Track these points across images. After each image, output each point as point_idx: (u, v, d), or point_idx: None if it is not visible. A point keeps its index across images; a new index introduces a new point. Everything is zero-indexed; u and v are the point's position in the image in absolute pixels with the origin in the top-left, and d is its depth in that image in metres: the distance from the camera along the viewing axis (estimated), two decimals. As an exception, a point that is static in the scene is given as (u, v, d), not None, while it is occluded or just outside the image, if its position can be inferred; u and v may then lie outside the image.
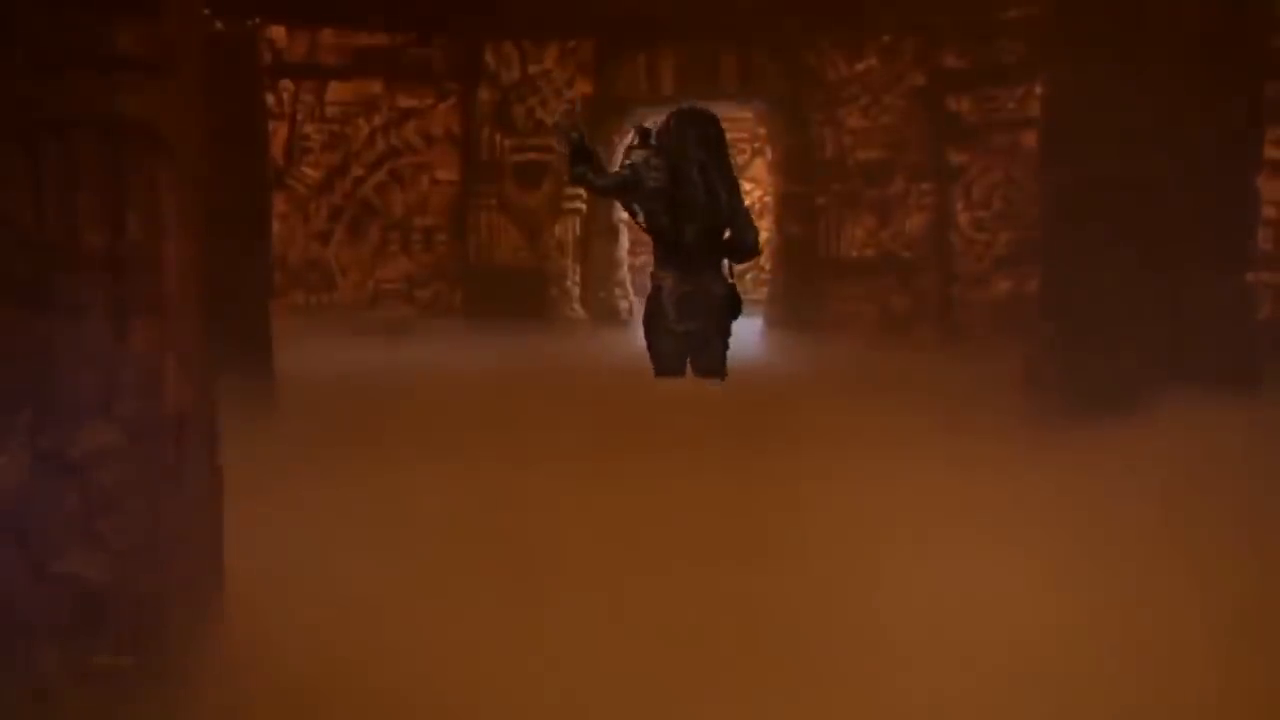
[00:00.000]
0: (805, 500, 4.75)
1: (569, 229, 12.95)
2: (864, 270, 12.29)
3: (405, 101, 12.73)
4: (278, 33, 12.11)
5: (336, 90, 12.56)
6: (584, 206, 12.87)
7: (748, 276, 6.85)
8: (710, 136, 7.11)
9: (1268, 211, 8.09)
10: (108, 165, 3.07)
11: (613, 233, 13.50)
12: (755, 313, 8.29)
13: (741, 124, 14.28)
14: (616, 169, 8.13)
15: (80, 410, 3.05)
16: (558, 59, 12.67)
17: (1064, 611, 3.75)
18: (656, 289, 7.22)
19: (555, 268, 12.84)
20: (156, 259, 3.15)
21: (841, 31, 12.17)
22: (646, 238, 9.36)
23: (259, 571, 3.65)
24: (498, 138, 12.73)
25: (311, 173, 12.58)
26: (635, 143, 7.09)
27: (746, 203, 7.48)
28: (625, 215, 11.67)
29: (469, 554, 4.21)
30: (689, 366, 6.95)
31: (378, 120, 12.68)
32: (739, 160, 9.05)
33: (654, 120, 9.31)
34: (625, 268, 13.79)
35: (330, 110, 12.59)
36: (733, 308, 7.00)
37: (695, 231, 6.99)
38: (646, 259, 13.43)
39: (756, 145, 16.47)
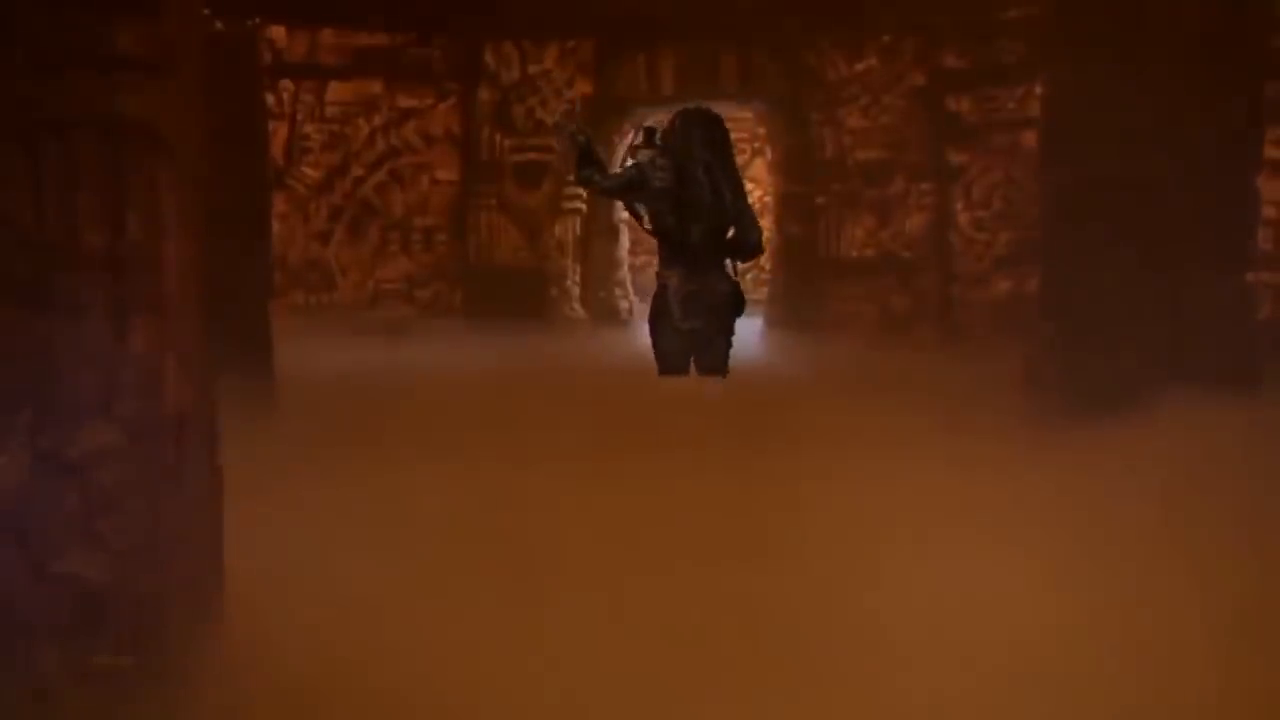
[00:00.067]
0: (805, 500, 4.74)
1: (569, 229, 12.96)
2: (864, 270, 12.30)
3: (405, 101, 12.74)
4: (278, 33, 12.12)
5: (336, 90, 12.57)
6: (584, 206, 12.87)
7: (748, 276, 6.86)
8: (715, 137, 7.14)
9: (1268, 211, 8.09)
10: (108, 165, 3.07)
11: (613, 233, 13.51)
12: (755, 313, 8.28)
13: (741, 124, 14.28)
14: (621, 169, 8.14)
15: (80, 410, 3.05)
16: (558, 59, 12.67)
17: (1064, 611, 3.74)
18: (662, 288, 7.24)
19: (555, 268, 12.85)
20: (156, 259, 3.15)
21: (841, 31, 12.18)
22: (647, 238, 9.37)
23: (259, 571, 3.65)
24: (498, 138, 12.74)
25: (311, 173, 12.59)
26: (640, 142, 7.12)
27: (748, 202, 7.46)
28: (626, 215, 11.71)
29: (469, 554, 4.21)
30: (692, 365, 6.96)
31: (378, 120, 12.69)
32: (739, 160, 9.09)
33: (655, 120, 9.30)
34: (625, 268, 13.80)
35: (330, 110, 12.60)
36: (737, 306, 7.02)
37: (700, 231, 7.01)
38: (646, 259, 13.60)
39: (756, 145, 16.48)
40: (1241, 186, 7.08)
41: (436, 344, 11.33)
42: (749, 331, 7.56)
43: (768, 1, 11.92)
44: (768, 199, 14.10)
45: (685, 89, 12.23)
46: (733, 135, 7.16)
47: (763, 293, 12.93)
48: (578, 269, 12.99)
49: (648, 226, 6.84)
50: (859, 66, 12.20)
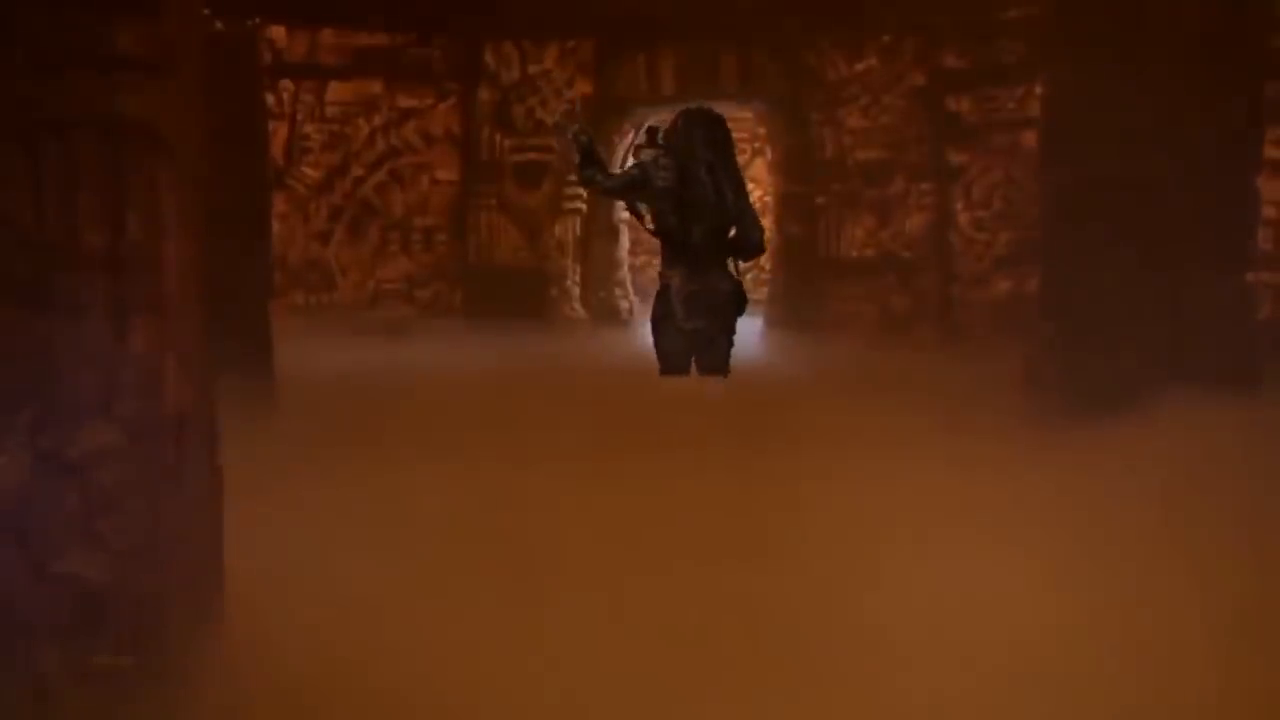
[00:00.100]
0: (806, 500, 4.74)
1: (569, 229, 12.97)
2: (864, 270, 12.31)
3: (405, 101, 12.74)
4: (278, 33, 12.13)
5: (336, 90, 12.58)
6: (584, 206, 12.88)
7: (748, 276, 6.86)
8: (717, 137, 7.14)
9: (1268, 211, 8.10)
10: (108, 165, 3.07)
11: (613, 233, 13.51)
12: (756, 312, 8.29)
13: (742, 124, 14.29)
14: (624, 169, 8.14)
15: (80, 410, 3.05)
16: (558, 59, 12.68)
17: (1064, 611, 3.74)
18: (665, 288, 7.24)
19: (555, 268, 12.85)
20: (156, 259, 3.14)
21: (841, 31, 12.18)
22: (647, 238, 9.35)
23: (259, 571, 3.65)
24: (498, 138, 12.75)
25: (311, 173, 12.59)
26: (643, 142, 7.12)
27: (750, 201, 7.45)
28: (626, 215, 11.69)
29: (469, 554, 4.21)
30: (694, 365, 6.96)
31: (378, 120, 12.70)
32: (740, 160, 9.08)
33: (655, 120, 9.26)
34: (625, 268, 13.80)
35: (330, 110, 12.61)
36: (739, 304, 7.02)
37: (702, 231, 7.01)
38: (646, 259, 13.60)
39: (757, 145, 16.49)
40: (1241, 186, 7.08)
41: (436, 344, 11.34)
42: (749, 331, 7.56)
43: (768, 1, 11.92)
44: (768, 199, 14.10)
45: (685, 89, 12.23)
46: (733, 135, 7.18)
47: (763, 293, 12.93)
48: (578, 269, 12.99)
49: (650, 226, 6.85)
50: (859, 66, 12.20)
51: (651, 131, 7.00)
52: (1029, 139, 10.39)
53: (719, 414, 6.09)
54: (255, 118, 7.93)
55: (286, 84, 12.34)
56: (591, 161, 6.87)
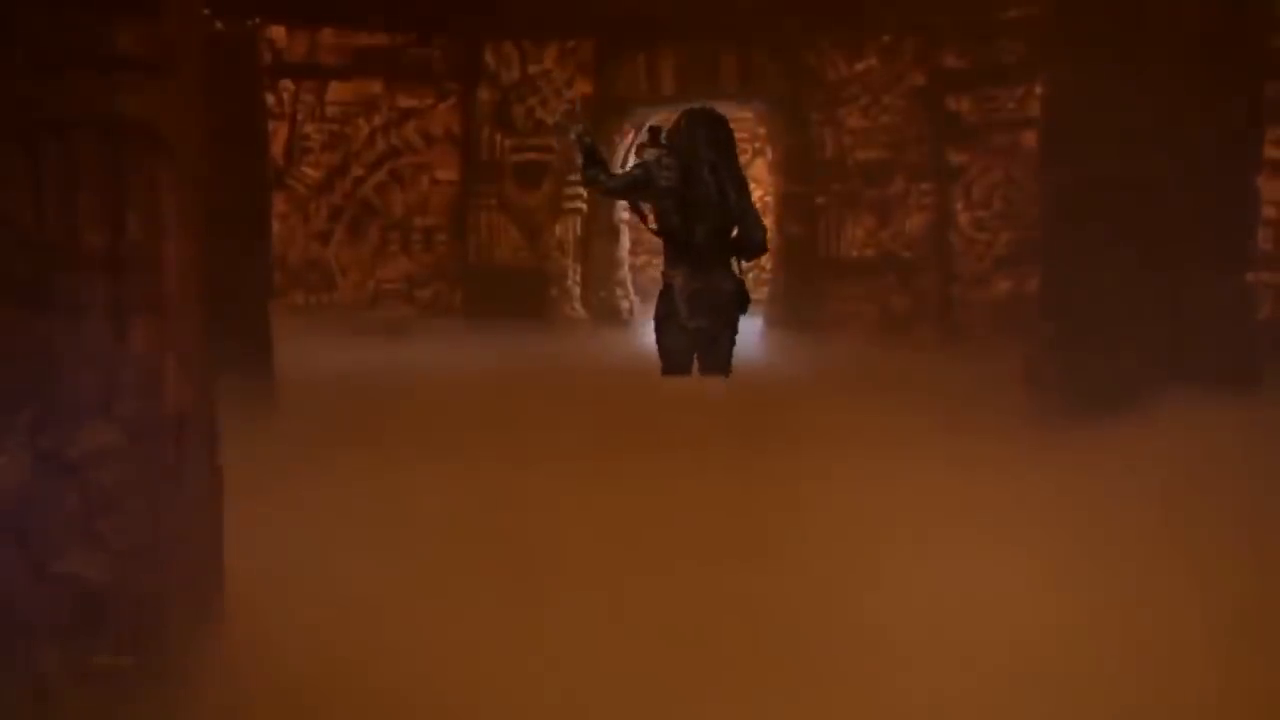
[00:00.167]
0: (806, 499, 4.74)
1: (569, 229, 12.98)
2: (864, 270, 12.32)
3: (405, 101, 12.76)
4: (278, 33, 12.14)
5: (336, 90, 12.59)
6: (584, 206, 12.89)
7: (749, 276, 6.88)
8: (720, 137, 7.17)
9: (1268, 211, 8.10)
10: (108, 165, 3.07)
11: (613, 232, 13.52)
12: (756, 312, 8.29)
13: (742, 124, 14.31)
14: (627, 169, 8.15)
15: (80, 410, 3.05)
16: (558, 59, 12.69)
17: (1064, 611, 3.74)
18: (668, 287, 7.25)
19: (555, 267, 12.86)
20: (156, 259, 3.14)
21: (841, 31, 12.20)
22: (647, 238, 9.38)
23: (259, 571, 3.65)
24: (498, 138, 12.76)
25: (311, 173, 12.60)
26: (646, 141, 7.15)
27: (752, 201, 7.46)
28: (627, 215, 11.72)
29: (469, 554, 4.21)
30: (696, 364, 6.97)
31: (378, 120, 12.71)
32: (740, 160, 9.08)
33: (656, 120, 9.26)
34: (626, 267, 13.82)
35: (330, 110, 12.62)
36: (742, 303, 7.03)
37: (705, 230, 7.03)
38: (647, 259, 13.62)
39: (757, 145, 16.50)
40: (1241, 186, 7.09)
41: (436, 344, 11.34)
42: (749, 331, 7.56)
43: (768, 1, 11.93)
44: (768, 199, 14.11)
45: (685, 89, 12.24)
46: (735, 135, 7.19)
47: (763, 293, 12.94)
48: (578, 269, 12.99)
49: (653, 226, 6.87)
50: (859, 66, 12.21)
51: (654, 131, 7.02)
52: (1029, 139, 10.40)
53: (720, 413, 6.09)
54: (255, 118, 7.93)
55: (286, 84, 12.35)
56: (595, 162, 6.90)
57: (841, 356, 10.91)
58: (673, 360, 6.83)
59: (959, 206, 11.81)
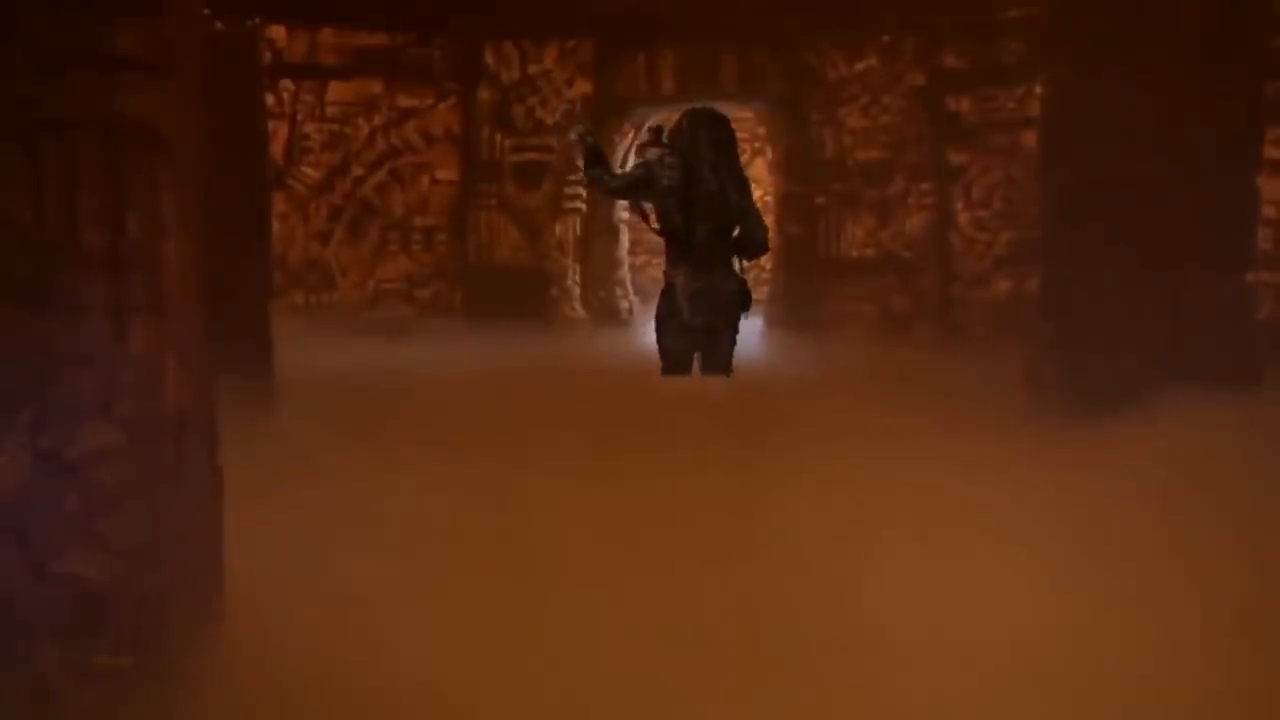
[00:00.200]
0: (806, 499, 4.74)
1: (569, 229, 12.97)
2: (864, 270, 12.32)
3: (405, 101, 12.75)
4: (278, 33, 12.14)
5: (337, 90, 12.58)
6: (584, 206, 12.88)
7: (750, 276, 6.90)
8: (722, 137, 7.18)
9: (1268, 211, 8.10)
10: (108, 165, 3.07)
11: (613, 232, 13.51)
12: (756, 312, 8.30)
13: (742, 124, 14.31)
14: (629, 168, 8.16)
15: (80, 410, 3.05)
16: (558, 59, 12.68)
17: (1064, 611, 3.75)
18: (669, 286, 7.26)
19: (555, 267, 12.85)
20: (156, 259, 3.14)
21: (841, 31, 12.19)
22: (647, 238, 9.38)
23: (259, 571, 3.65)
24: (498, 138, 12.76)
25: (311, 172, 12.60)
26: (647, 140, 7.16)
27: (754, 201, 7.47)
28: (627, 215, 11.74)
29: (469, 554, 4.21)
30: (697, 364, 6.98)
31: (378, 120, 12.70)
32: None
33: (659, 119, 9.26)
34: (625, 267, 13.82)
35: (330, 110, 12.61)
36: (744, 302, 7.04)
37: (707, 230, 7.04)
38: (646, 258, 13.62)
39: (757, 145, 16.50)
40: (1241, 186, 7.09)
41: (437, 344, 11.34)
42: (750, 332, 7.56)
43: (768, 1, 11.93)
44: (768, 199, 14.11)
45: (685, 89, 12.24)
46: (736, 135, 7.20)
47: (763, 292, 12.95)
48: (578, 269, 12.99)
49: (655, 226, 6.88)
50: (859, 66, 12.21)
51: (656, 130, 7.03)
52: (1029, 139, 10.40)
53: (720, 413, 6.09)
54: (255, 118, 7.93)
55: (286, 84, 12.34)
56: (597, 162, 6.93)
57: (842, 356, 10.91)
58: (673, 360, 6.84)
59: (959, 206, 11.81)
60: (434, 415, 6.73)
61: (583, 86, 12.58)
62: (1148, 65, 6.83)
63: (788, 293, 12.76)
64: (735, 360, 6.80)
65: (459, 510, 4.66)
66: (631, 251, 14.37)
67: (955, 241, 11.86)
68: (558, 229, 12.77)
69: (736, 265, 6.81)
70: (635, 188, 6.90)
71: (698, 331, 6.74)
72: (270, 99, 11.23)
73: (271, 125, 10.81)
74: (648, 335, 6.93)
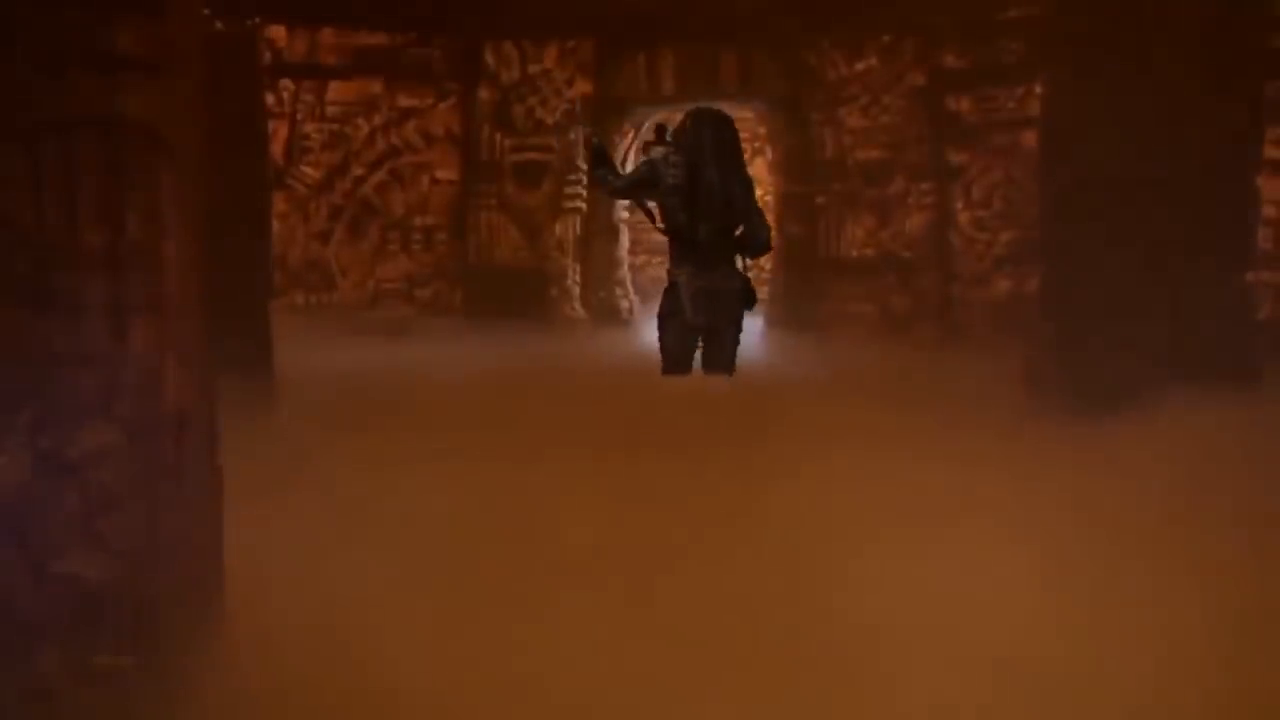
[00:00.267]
0: (807, 497, 4.74)
1: (569, 228, 12.98)
2: (864, 270, 12.33)
3: (405, 101, 12.77)
4: (278, 33, 12.15)
5: (337, 90, 12.59)
6: (584, 206, 12.89)
7: (750, 275, 6.94)
8: (726, 137, 7.23)
9: (1268, 211, 8.11)
10: (108, 165, 3.07)
11: (613, 232, 13.53)
12: (757, 312, 8.30)
13: (742, 124, 14.31)
14: (634, 168, 8.20)
15: (80, 410, 3.04)
16: (558, 59, 12.69)
17: (1064, 609, 3.74)
18: (672, 285, 7.29)
19: (555, 267, 12.86)
20: (156, 259, 3.14)
21: (841, 31, 12.21)
22: (647, 237, 9.44)
23: (259, 571, 3.65)
24: (498, 137, 12.77)
25: (311, 172, 12.61)
26: (652, 139, 7.20)
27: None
28: (627, 215, 11.79)
29: (470, 554, 4.21)
30: (698, 363, 7.00)
31: (378, 120, 12.71)
32: (739, 160, 9.15)
33: (657, 119, 9.31)
34: (625, 267, 13.83)
35: (330, 110, 12.62)
36: (748, 301, 7.07)
37: (710, 229, 7.07)
38: (646, 258, 13.65)
39: (757, 145, 16.51)
40: (1241, 186, 7.09)
41: (437, 343, 11.34)
42: (751, 331, 7.57)
43: (768, 1, 11.93)
44: (768, 198, 14.11)
45: (685, 89, 12.25)
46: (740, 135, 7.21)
47: (763, 292, 12.96)
48: (578, 268, 12.99)
49: (660, 225, 6.91)
50: (859, 66, 12.21)
51: (660, 129, 7.06)
52: (1029, 139, 10.40)
53: (721, 411, 6.10)
54: (255, 118, 7.93)
55: (287, 84, 12.35)
56: (603, 163, 6.98)
57: (842, 356, 10.91)
58: (673, 359, 6.84)
59: (959, 206, 11.82)
60: (434, 415, 6.73)
61: (583, 86, 12.58)
62: (1148, 65, 6.83)
63: (788, 292, 12.76)
64: (737, 359, 6.81)
65: (460, 510, 4.65)
66: (632, 251, 14.37)
67: (955, 241, 11.86)
68: (558, 229, 12.77)
69: (740, 264, 6.82)
70: (639, 187, 6.93)
71: (699, 330, 6.75)
72: (270, 99, 11.23)
73: (271, 125, 10.81)
74: (648, 335, 6.94)
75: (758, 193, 8.26)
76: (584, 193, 12.54)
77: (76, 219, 3.04)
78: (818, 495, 4.78)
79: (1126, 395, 6.50)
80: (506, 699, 3.34)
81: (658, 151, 6.81)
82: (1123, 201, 6.84)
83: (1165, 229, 6.81)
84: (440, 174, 12.81)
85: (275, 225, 9.78)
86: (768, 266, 13.15)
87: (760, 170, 15.96)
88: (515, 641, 3.59)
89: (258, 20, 9.10)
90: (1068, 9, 7.39)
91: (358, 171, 12.64)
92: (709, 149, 6.70)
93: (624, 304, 13.42)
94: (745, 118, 14.15)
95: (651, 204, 7.03)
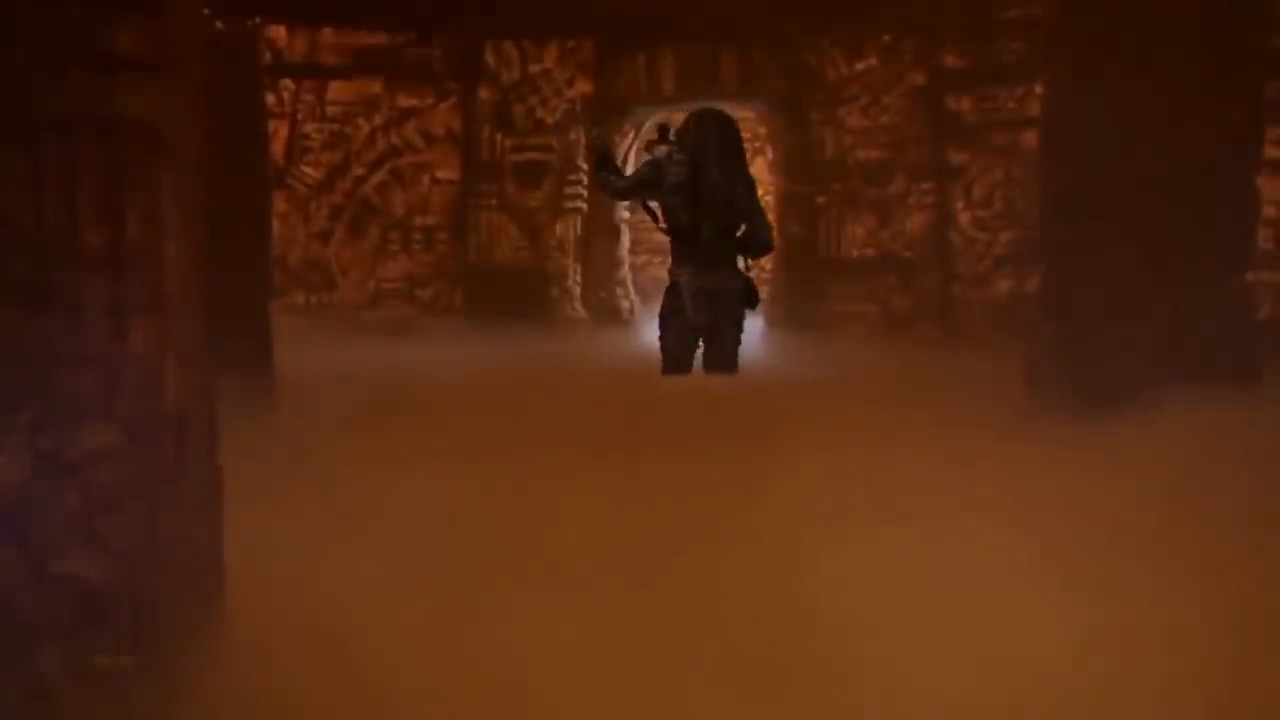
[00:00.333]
0: (807, 495, 4.75)
1: (570, 228, 12.99)
2: (864, 270, 12.34)
3: (405, 101, 12.77)
4: (278, 32, 12.15)
5: (337, 89, 12.60)
6: (585, 206, 12.90)
7: (750, 275, 6.96)
8: (729, 137, 7.25)
9: (1268, 211, 8.11)
10: (108, 165, 3.07)
11: (614, 232, 13.54)
12: (758, 311, 8.30)
13: (742, 124, 14.31)
14: (636, 168, 8.21)
15: (80, 410, 3.05)
16: (558, 59, 12.69)
17: (1063, 608, 3.74)
18: (674, 284, 7.32)
19: (556, 267, 12.87)
20: (156, 259, 3.14)
21: (841, 31, 12.21)
22: (647, 237, 9.47)
23: (259, 571, 3.65)
24: (498, 137, 12.77)
25: (312, 172, 12.61)
26: (654, 138, 7.24)
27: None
28: (627, 215, 11.82)
29: (470, 553, 4.21)
30: (699, 363, 7.02)
31: (378, 120, 12.72)
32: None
33: (657, 119, 9.31)
34: (626, 267, 13.84)
35: (330, 109, 12.63)
36: (750, 300, 7.09)
37: (712, 228, 7.09)
38: (647, 258, 13.68)
39: (757, 145, 16.52)
40: (1241, 186, 7.09)
41: (437, 343, 11.35)
42: (752, 331, 7.58)
43: (768, 1, 11.93)
44: (769, 198, 14.12)
45: (685, 89, 12.25)
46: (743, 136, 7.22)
47: (764, 292, 12.96)
48: (578, 269, 13.00)
49: (662, 224, 6.93)
50: (859, 66, 12.22)
51: (663, 129, 7.09)
52: (1029, 139, 10.41)
53: (721, 410, 6.10)
54: (255, 118, 7.93)
55: (287, 83, 12.35)
56: (607, 163, 7.00)
57: (842, 355, 10.91)
58: (674, 358, 6.85)
59: (959, 206, 11.82)
60: (435, 415, 6.74)
61: (583, 86, 12.58)
62: (1148, 65, 6.83)
63: (788, 292, 12.76)
64: (738, 359, 6.81)
65: (460, 510, 4.65)
66: (632, 251, 14.37)
67: (955, 241, 11.86)
68: (558, 229, 12.78)
69: (741, 264, 6.83)
70: (642, 187, 6.95)
71: (700, 330, 6.76)
72: (270, 99, 11.24)
73: (272, 125, 10.82)
74: (649, 335, 6.95)
75: (759, 193, 8.27)
76: (585, 193, 12.54)
77: (76, 219, 3.04)
78: (818, 494, 4.78)
79: (1126, 395, 6.50)
80: (506, 698, 3.34)
81: (661, 151, 6.83)
82: (1123, 201, 6.84)
83: (1165, 229, 6.81)
84: (441, 174, 12.82)
85: (275, 225, 9.78)
86: (768, 266, 13.15)
87: (761, 170, 15.95)
88: (515, 641, 3.59)
89: (258, 20, 9.11)
90: (1068, 9, 7.39)
91: (358, 171, 12.64)
92: (712, 149, 6.72)
93: (625, 304, 13.42)
94: (746, 118, 14.16)
95: (654, 203, 7.04)
